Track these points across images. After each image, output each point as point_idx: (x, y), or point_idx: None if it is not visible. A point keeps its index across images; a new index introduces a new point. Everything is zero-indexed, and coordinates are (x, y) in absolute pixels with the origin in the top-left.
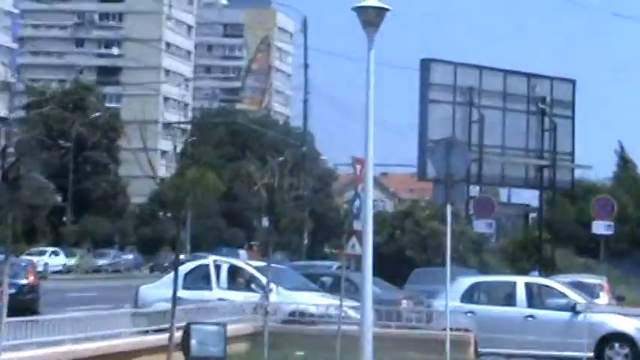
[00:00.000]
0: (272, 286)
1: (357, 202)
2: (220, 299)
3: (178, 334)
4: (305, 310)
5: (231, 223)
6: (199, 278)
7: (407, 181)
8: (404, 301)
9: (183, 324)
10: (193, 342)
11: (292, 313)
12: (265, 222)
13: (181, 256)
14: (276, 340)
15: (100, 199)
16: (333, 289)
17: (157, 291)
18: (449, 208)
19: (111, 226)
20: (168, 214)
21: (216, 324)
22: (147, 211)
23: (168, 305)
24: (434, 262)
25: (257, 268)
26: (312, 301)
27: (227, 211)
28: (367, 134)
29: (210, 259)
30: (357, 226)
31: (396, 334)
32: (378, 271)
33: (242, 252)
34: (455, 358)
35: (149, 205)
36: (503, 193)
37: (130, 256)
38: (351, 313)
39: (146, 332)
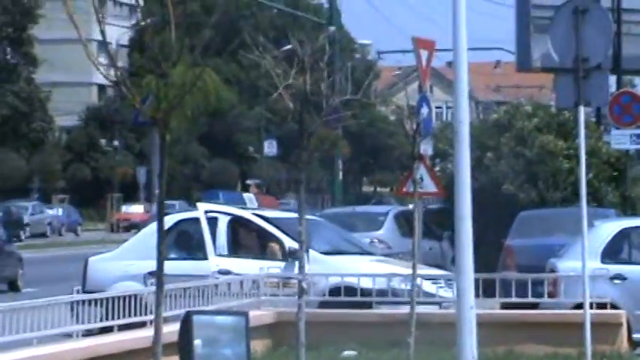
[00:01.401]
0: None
1: (424, 110)
2: (221, 272)
3: (168, 331)
4: (354, 285)
5: (214, 153)
6: (185, 241)
7: (487, 74)
8: None
9: (172, 313)
10: (197, 343)
11: (334, 291)
12: (270, 147)
13: (138, 209)
14: (312, 332)
15: (6, 122)
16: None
17: (117, 264)
18: (581, 113)
19: (25, 165)
20: (115, 142)
21: (234, 313)
22: (80, 138)
23: (135, 286)
24: (549, 201)
25: (274, 222)
26: (365, 269)
27: (207, 133)
28: None
29: (200, 210)
30: (424, 148)
31: (502, 316)
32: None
33: (249, 196)
34: (599, 350)
35: (83, 130)
36: None
37: (60, 211)
38: (428, 286)
39: (107, 330)
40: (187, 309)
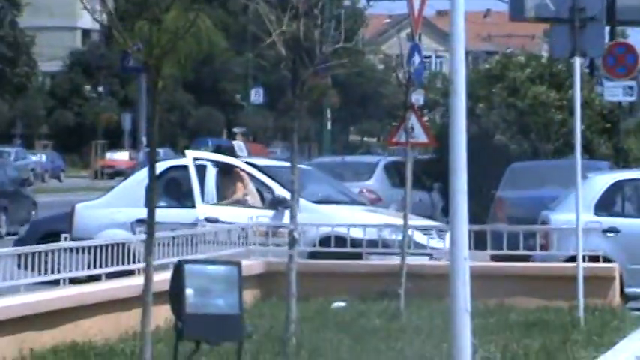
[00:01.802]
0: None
1: (415, 59)
2: (209, 220)
3: (158, 279)
4: (345, 235)
5: (200, 101)
6: (173, 189)
7: (478, 23)
8: None
9: (160, 262)
10: (189, 292)
11: (324, 241)
12: (256, 95)
13: (122, 156)
14: (301, 283)
15: None
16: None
17: (104, 212)
18: (577, 63)
19: (8, 110)
20: (99, 88)
21: (226, 263)
22: (64, 84)
23: (123, 234)
24: (541, 153)
25: (265, 170)
26: (356, 219)
27: (194, 80)
28: None
29: (189, 157)
30: (416, 98)
31: (493, 268)
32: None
33: (239, 144)
34: (591, 304)
35: (67, 75)
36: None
37: (43, 157)
38: (419, 237)
39: (94, 278)
40: (175, 258)
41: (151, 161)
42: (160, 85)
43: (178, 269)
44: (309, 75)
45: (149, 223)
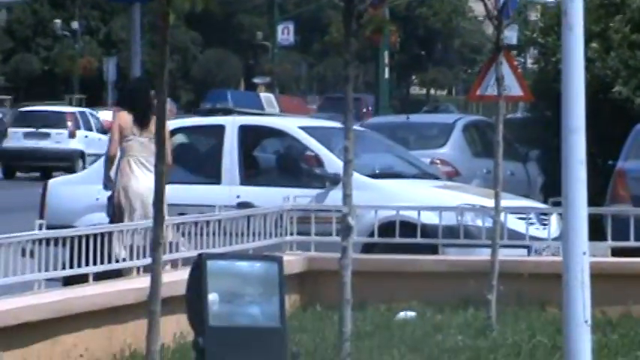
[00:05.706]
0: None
1: None
2: (242, 205)
3: (170, 280)
4: (413, 220)
5: (209, 40)
6: (188, 158)
7: None
8: None
9: (175, 256)
10: (213, 297)
11: (385, 228)
12: (285, 33)
13: (105, 115)
14: (355, 285)
15: None
16: None
17: (86, 190)
18: None
19: None
20: (74, 24)
21: (262, 258)
22: (25, 19)
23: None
24: None
25: (309, 132)
26: (428, 199)
27: (200, 13)
28: None
29: (228, 123)
30: (508, 36)
31: (615, 266)
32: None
33: (268, 97)
34: None
35: (29, 7)
36: None
37: None
38: (514, 223)
39: (78, 279)
40: (187, 253)
41: (160, 121)
42: (172, 19)
43: (199, 267)
44: (368, 4)
45: (156, 203)
